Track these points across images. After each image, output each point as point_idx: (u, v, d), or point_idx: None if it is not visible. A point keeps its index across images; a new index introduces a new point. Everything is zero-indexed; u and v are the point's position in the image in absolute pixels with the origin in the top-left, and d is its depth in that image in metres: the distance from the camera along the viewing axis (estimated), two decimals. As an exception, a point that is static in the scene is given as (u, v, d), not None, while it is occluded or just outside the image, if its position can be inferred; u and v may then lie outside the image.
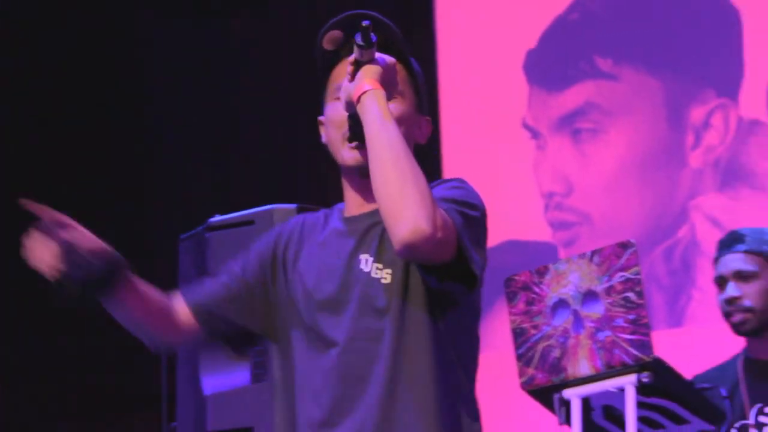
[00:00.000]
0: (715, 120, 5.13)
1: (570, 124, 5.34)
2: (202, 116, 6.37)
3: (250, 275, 2.36)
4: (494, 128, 5.57)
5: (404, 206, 2.08)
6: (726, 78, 5.22)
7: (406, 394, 2.22)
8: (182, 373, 3.94)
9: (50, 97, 6.60)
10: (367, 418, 2.20)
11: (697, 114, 5.14)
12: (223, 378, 3.77)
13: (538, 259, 4.26)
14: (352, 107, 2.12)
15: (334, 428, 2.22)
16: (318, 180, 4.96)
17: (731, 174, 5.11)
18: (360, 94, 2.11)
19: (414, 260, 2.17)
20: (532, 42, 5.44)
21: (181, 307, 2.35)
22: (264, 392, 3.67)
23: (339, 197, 2.49)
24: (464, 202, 2.17)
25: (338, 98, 2.22)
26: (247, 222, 3.67)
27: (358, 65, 2.11)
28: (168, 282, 3.41)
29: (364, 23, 2.10)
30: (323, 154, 2.40)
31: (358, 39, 2.08)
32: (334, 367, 2.25)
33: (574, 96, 5.36)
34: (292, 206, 3.60)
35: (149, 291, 2.33)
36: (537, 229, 5.42)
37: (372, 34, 2.09)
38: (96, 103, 6.51)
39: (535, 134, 5.39)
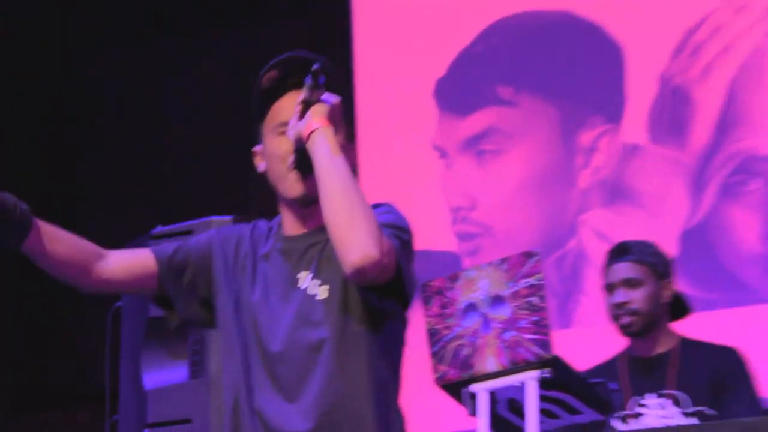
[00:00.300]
0: (601, 144, 5.40)
1: (475, 145, 5.55)
2: (144, 137, 6.47)
3: (195, 264, 2.51)
4: (408, 148, 5.79)
5: (354, 235, 2.24)
6: (611, 106, 5.50)
7: (345, 402, 2.39)
8: (125, 370, 4.08)
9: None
10: (307, 424, 2.36)
11: (585, 138, 5.40)
12: (163, 374, 3.93)
13: (446, 267, 4.42)
14: (301, 143, 2.26)
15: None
16: (247, 193, 5.05)
17: (615, 192, 5.37)
18: (310, 131, 2.23)
19: (361, 283, 2.31)
20: (441, 71, 5.66)
21: (144, 254, 2.52)
22: (201, 387, 3.81)
23: (267, 210, 2.73)
24: (398, 226, 2.34)
25: (282, 133, 2.35)
26: (186, 231, 3.80)
27: (306, 105, 2.24)
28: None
29: (315, 67, 2.24)
30: (250, 171, 2.59)
31: (308, 81, 2.22)
32: (273, 373, 2.43)
33: (478, 120, 5.60)
34: (228, 218, 3.82)
35: (66, 235, 2.44)
36: (445, 240, 5.59)
37: (321, 76, 2.24)
38: (45, 116, 6.62)
39: (443, 154, 5.58)
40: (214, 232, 2.63)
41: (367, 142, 5.00)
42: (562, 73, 5.61)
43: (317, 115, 2.26)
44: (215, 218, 3.84)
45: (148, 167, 6.54)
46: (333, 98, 2.29)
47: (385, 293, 2.34)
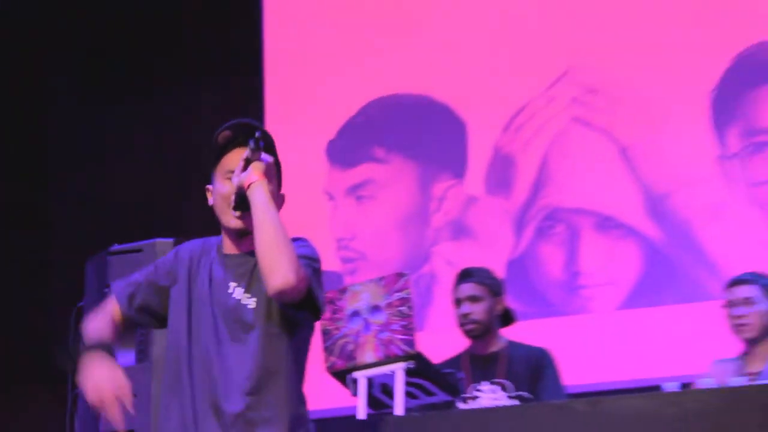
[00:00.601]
0: (449, 194, 6.09)
1: (355, 192, 6.27)
2: (103, 177, 6.67)
3: (156, 284, 2.80)
4: (306, 192, 6.26)
5: (278, 266, 2.49)
6: (457, 166, 6.21)
7: (267, 387, 2.63)
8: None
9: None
10: (239, 406, 2.59)
11: (438, 189, 6.12)
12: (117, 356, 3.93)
13: (331, 283, 4.52)
14: (241, 190, 2.52)
15: (210, 411, 2.61)
16: (183, 220, 5.23)
17: (459, 230, 6.10)
18: (250, 183, 2.49)
19: (281, 301, 2.56)
20: (332, 135, 6.41)
21: (115, 314, 2.87)
22: (145, 370, 4.15)
23: (199, 233, 3.09)
24: (311, 257, 2.61)
25: (229, 179, 2.57)
26: (137, 250, 4.26)
27: (248, 161, 2.51)
28: (78, 285, 4.35)
29: (257, 134, 2.54)
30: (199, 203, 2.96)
31: (251, 144, 2.50)
32: (210, 362, 2.66)
33: (358, 173, 6.32)
34: (170, 240, 4.20)
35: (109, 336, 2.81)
36: (331, 263, 6.11)
37: (261, 141, 2.53)
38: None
39: (331, 197, 6.31)
40: (174, 251, 2.89)
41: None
42: (421, 140, 6.26)
43: (256, 170, 2.51)
44: (159, 240, 4.27)
45: (107, 199, 6.65)
46: (268, 158, 2.56)
47: (299, 308, 2.59)
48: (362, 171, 6.20)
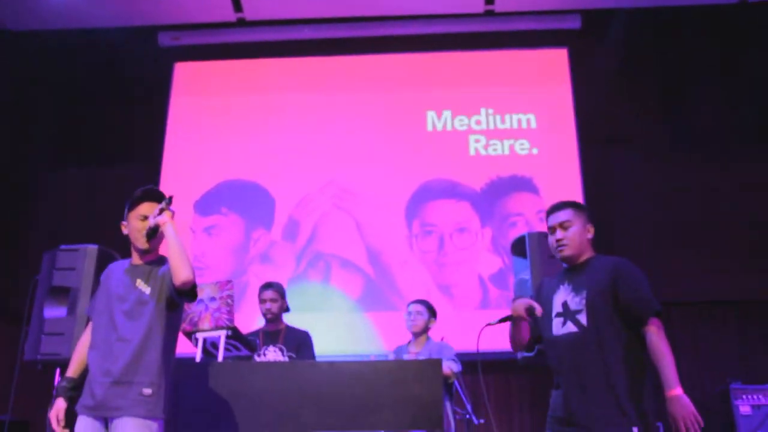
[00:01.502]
0: (261, 237, 6.99)
1: (208, 230, 7.07)
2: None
3: (98, 295, 3.12)
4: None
5: (183, 269, 2.79)
6: (267, 222, 7.05)
7: (150, 350, 2.91)
8: (36, 308, 4.43)
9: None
10: (128, 362, 2.89)
11: (255, 235, 7.02)
12: (53, 311, 4.35)
13: None
14: (156, 226, 2.91)
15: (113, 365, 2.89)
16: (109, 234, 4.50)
17: (265, 258, 6.87)
18: (164, 222, 2.90)
19: (180, 289, 2.84)
20: (197, 197, 7.13)
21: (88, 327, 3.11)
22: (72, 319, 4.33)
23: (112, 243, 3.99)
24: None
25: (142, 220, 2.95)
26: (74, 250, 4.47)
27: (161, 210, 2.91)
28: (35, 269, 4.50)
29: (168, 197, 2.93)
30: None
31: (164, 201, 2.91)
32: (118, 330, 2.93)
33: (211, 220, 7.06)
34: (95, 246, 4.44)
35: (80, 357, 3.01)
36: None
37: (170, 199, 2.92)
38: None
39: (193, 231, 7.03)
40: (102, 276, 3.14)
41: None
42: (248, 206, 7.11)
43: (167, 215, 2.91)
44: (89, 246, 4.45)
45: (60, 219, 7.15)
46: (172, 209, 2.95)
47: (185, 294, 2.93)
48: (213, 219, 7.14)
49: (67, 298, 4.23)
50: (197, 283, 3.81)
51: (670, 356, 2.83)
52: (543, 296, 3.23)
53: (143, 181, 3.33)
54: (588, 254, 3.18)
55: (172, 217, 2.91)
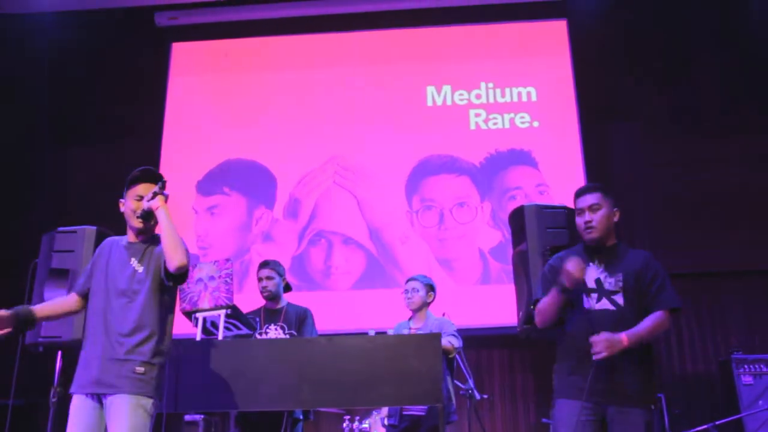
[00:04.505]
0: (263, 216, 6.98)
1: (210, 210, 7.06)
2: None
3: (90, 270, 3.12)
4: (183, 208, 6.82)
5: (177, 252, 2.81)
6: (269, 201, 7.00)
7: (144, 328, 2.92)
8: (36, 290, 4.41)
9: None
10: (122, 339, 2.88)
11: (257, 213, 7.01)
12: (52, 293, 4.28)
13: (193, 260, 4.16)
14: (150, 209, 2.91)
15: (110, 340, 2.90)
16: (103, 216, 4.61)
17: (266, 237, 6.85)
18: (157, 206, 2.91)
19: (174, 273, 2.84)
20: (200, 177, 7.12)
21: (72, 297, 3.12)
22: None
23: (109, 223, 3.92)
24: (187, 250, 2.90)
25: (137, 200, 2.96)
26: (73, 231, 4.50)
27: (155, 194, 2.92)
28: (34, 252, 4.55)
29: (164, 179, 2.94)
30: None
31: (159, 185, 2.92)
32: (112, 309, 2.93)
33: (212, 200, 7.07)
34: (93, 228, 4.47)
35: (52, 306, 3.05)
36: (192, 249, 6.64)
37: (164, 184, 2.93)
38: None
39: (196, 212, 7.04)
40: (98, 249, 3.17)
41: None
42: (250, 185, 7.17)
43: (161, 199, 2.93)
44: (87, 227, 4.48)
45: (59, 201, 7.18)
46: (166, 192, 2.95)
47: (179, 277, 2.95)
48: (215, 199, 7.18)
49: (66, 281, 4.22)
50: (201, 262, 3.98)
51: (654, 332, 3.03)
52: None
53: (143, 162, 3.33)
54: (613, 239, 3.29)
55: (166, 201, 2.90)
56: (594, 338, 2.97)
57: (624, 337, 2.97)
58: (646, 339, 3.04)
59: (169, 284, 2.95)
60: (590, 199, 3.22)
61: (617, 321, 3.05)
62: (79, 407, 2.90)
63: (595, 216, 3.20)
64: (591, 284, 3.15)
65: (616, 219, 3.25)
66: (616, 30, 7.29)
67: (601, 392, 3.02)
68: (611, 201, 3.26)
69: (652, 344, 3.11)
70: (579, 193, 3.28)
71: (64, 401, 3.00)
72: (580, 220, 3.23)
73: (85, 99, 7.59)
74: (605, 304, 3.11)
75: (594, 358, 2.95)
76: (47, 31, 7.56)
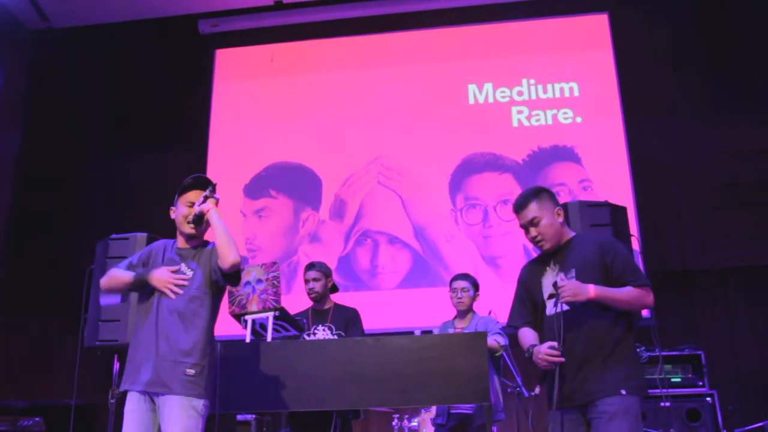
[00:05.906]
0: (310, 218, 7.05)
1: (258, 213, 7.17)
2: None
3: (140, 266, 3.14)
4: (232, 212, 6.80)
5: (230, 253, 2.86)
6: (315, 203, 7.03)
7: (195, 331, 2.93)
8: (93, 298, 4.55)
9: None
10: (174, 342, 2.93)
11: (304, 215, 7.09)
12: (108, 299, 4.47)
13: (243, 263, 3.66)
14: (201, 213, 2.97)
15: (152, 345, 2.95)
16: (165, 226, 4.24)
17: (313, 238, 6.91)
18: (209, 209, 2.99)
19: (227, 272, 2.90)
20: (247, 180, 7.18)
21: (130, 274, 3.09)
22: (126, 307, 4.46)
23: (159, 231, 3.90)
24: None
25: (189, 206, 3.01)
26: (125, 238, 4.57)
27: (206, 198, 2.99)
28: (89, 259, 4.63)
29: (213, 183, 3.03)
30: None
31: (209, 189, 2.99)
32: (163, 312, 2.96)
33: (260, 203, 7.17)
34: (144, 234, 4.54)
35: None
36: (242, 251, 6.73)
37: (214, 187, 3.01)
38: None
39: (244, 215, 7.14)
40: (150, 246, 3.21)
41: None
42: (296, 188, 7.24)
43: (212, 202, 3.01)
44: (139, 234, 4.56)
45: (112, 209, 7.21)
46: (217, 196, 3.05)
47: (231, 278, 2.99)
48: (262, 202, 7.27)
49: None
50: (249, 265, 3.96)
51: (627, 300, 2.91)
52: (531, 282, 3.20)
53: (191, 168, 3.50)
54: (566, 234, 3.20)
55: (217, 204, 2.96)
56: (561, 282, 2.93)
57: (591, 287, 2.88)
58: (617, 303, 2.91)
59: (225, 284, 2.99)
60: (528, 214, 3.11)
61: (570, 320, 2.94)
62: (134, 408, 2.95)
63: (539, 229, 3.10)
64: (549, 289, 3.07)
65: (560, 219, 3.15)
66: (657, 20, 7.15)
67: (571, 395, 2.93)
68: (549, 203, 3.15)
69: (628, 343, 2.98)
70: (515, 210, 3.17)
71: (122, 401, 3.03)
72: (528, 237, 3.13)
73: (135, 109, 7.68)
74: (563, 306, 2.98)
75: (560, 301, 2.89)
76: (95, 44, 7.70)
